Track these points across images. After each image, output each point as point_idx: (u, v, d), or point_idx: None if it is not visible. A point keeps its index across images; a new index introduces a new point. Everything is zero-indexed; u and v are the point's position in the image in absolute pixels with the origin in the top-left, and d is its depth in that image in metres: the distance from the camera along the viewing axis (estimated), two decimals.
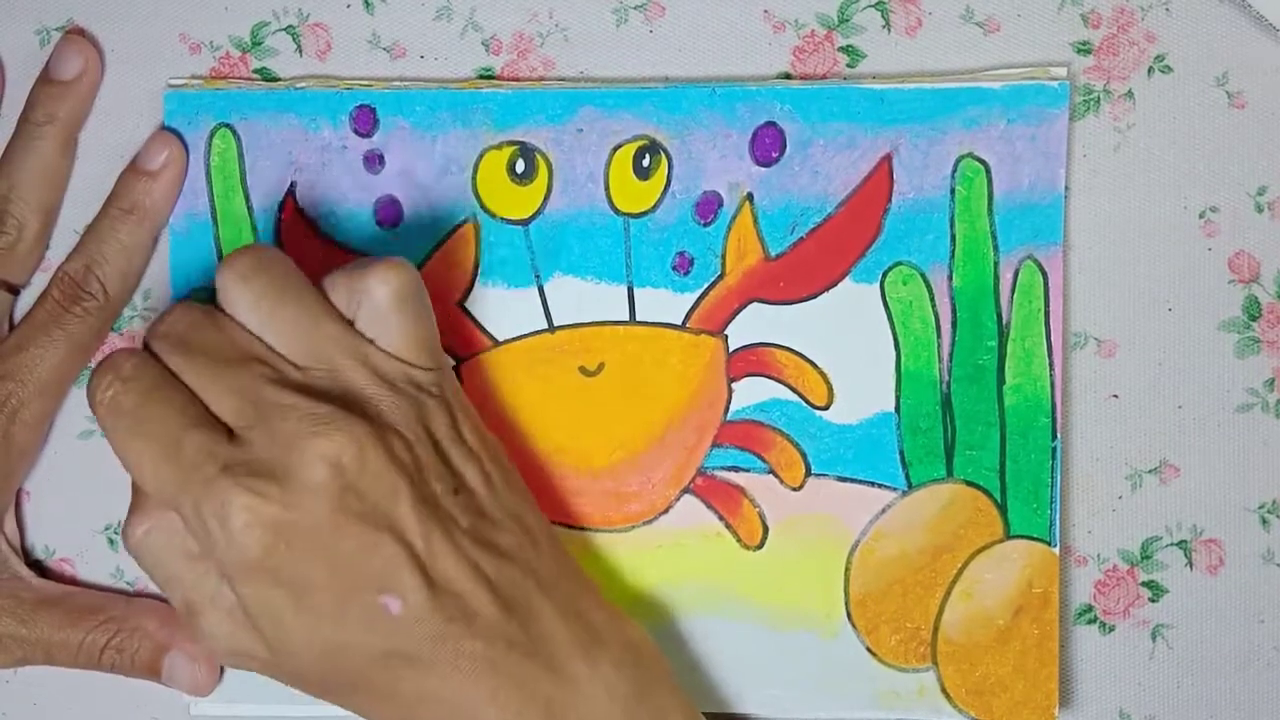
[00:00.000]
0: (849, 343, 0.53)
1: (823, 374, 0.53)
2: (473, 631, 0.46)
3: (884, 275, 0.53)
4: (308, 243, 0.54)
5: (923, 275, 0.53)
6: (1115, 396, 0.54)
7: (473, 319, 0.54)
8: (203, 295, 0.54)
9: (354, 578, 0.46)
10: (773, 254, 0.53)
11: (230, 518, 0.45)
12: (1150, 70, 0.53)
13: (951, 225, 0.53)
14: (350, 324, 0.48)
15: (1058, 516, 0.53)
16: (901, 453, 0.53)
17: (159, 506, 0.47)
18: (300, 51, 0.55)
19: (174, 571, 0.48)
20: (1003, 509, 0.53)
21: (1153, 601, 0.54)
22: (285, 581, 0.46)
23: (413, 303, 0.49)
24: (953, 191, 0.53)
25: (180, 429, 0.46)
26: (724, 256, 0.53)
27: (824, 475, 0.53)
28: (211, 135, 0.54)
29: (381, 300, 0.48)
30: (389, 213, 0.54)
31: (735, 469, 0.54)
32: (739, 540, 0.54)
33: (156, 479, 0.46)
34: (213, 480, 0.45)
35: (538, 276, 0.54)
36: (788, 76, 0.54)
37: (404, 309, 0.48)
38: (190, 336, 0.48)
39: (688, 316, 0.54)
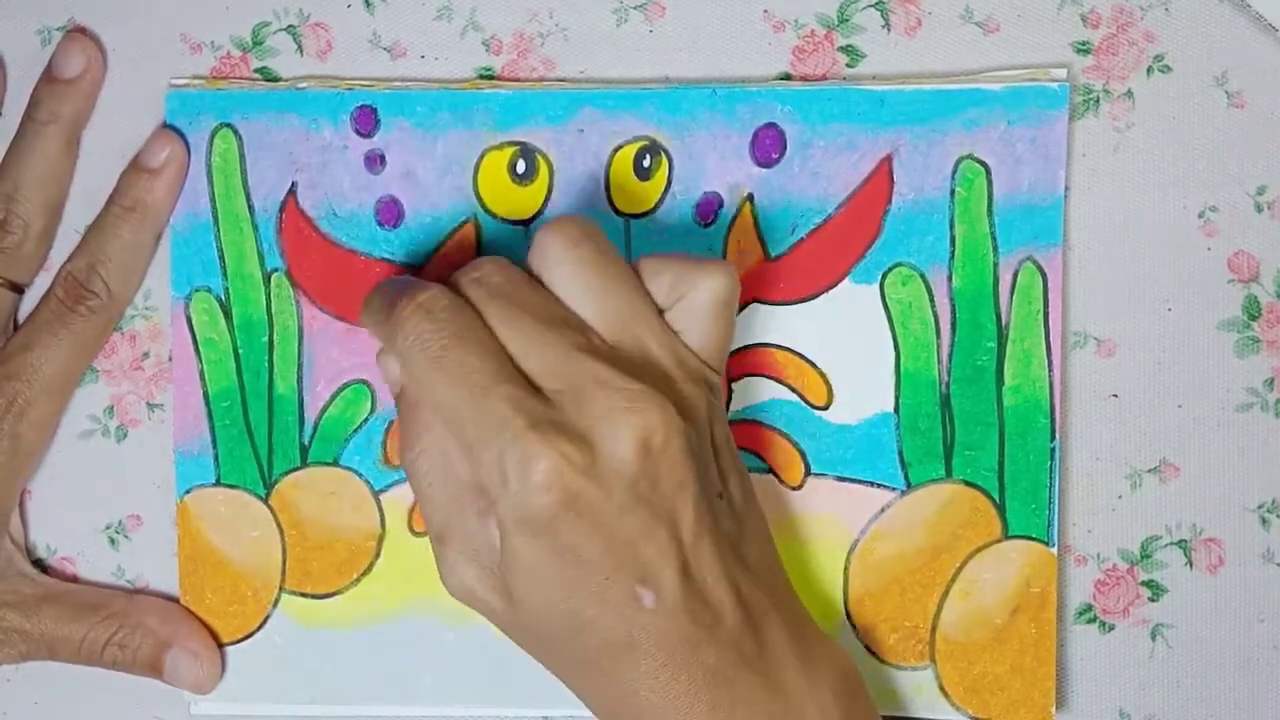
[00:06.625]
0: (848, 343, 0.53)
1: (822, 374, 0.53)
2: (713, 639, 0.46)
3: (884, 276, 0.53)
4: (308, 243, 0.54)
5: (922, 276, 0.53)
6: (1115, 396, 0.54)
7: None
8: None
9: (623, 560, 0.46)
10: (773, 255, 0.53)
11: (531, 474, 0.45)
12: (1149, 70, 0.53)
13: (951, 226, 0.53)
14: (660, 312, 0.48)
15: (1056, 517, 0.53)
16: (901, 453, 0.53)
17: (442, 436, 0.47)
18: (301, 51, 0.55)
19: (438, 496, 0.47)
20: (1001, 509, 0.53)
21: (1152, 601, 0.54)
22: (560, 547, 0.45)
23: (730, 310, 0.49)
24: (953, 193, 0.53)
25: (490, 378, 0.46)
26: (724, 257, 0.53)
27: (823, 475, 0.54)
28: (213, 135, 0.54)
29: (706, 301, 0.48)
30: (390, 213, 0.54)
31: None
32: None
33: (457, 421, 0.46)
34: (521, 434, 0.45)
35: None
36: (788, 76, 0.54)
37: (722, 314, 0.48)
38: (507, 289, 0.47)
39: None
